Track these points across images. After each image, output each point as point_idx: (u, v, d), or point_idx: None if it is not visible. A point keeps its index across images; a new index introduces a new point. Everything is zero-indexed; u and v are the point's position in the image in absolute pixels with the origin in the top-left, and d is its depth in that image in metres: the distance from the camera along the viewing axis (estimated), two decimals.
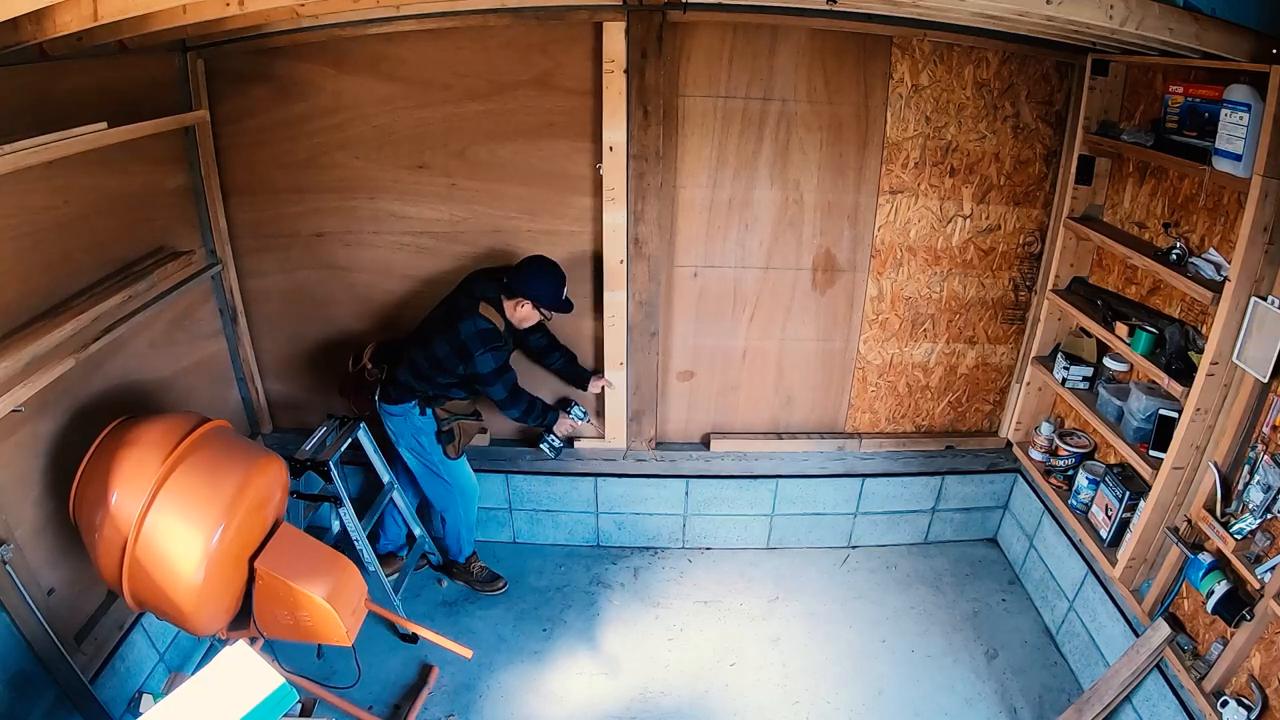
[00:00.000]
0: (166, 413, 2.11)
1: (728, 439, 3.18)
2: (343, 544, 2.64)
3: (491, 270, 2.66)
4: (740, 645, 2.85)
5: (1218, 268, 2.06)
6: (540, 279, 2.54)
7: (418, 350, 2.61)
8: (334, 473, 2.51)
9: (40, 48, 1.87)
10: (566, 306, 2.61)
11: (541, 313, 2.60)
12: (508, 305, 2.57)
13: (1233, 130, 1.90)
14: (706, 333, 3.03)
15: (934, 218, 2.85)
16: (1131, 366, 2.53)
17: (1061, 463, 2.83)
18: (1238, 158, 1.89)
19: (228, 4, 1.88)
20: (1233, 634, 1.97)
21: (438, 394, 2.68)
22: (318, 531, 2.88)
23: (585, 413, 2.99)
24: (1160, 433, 2.26)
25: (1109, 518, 2.51)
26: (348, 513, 2.55)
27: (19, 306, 1.91)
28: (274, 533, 2.08)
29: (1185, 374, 2.13)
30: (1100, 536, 2.56)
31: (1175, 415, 2.18)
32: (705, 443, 3.21)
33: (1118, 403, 2.47)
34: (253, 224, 2.86)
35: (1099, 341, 2.66)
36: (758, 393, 3.17)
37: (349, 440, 2.65)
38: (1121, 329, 2.36)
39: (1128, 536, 2.39)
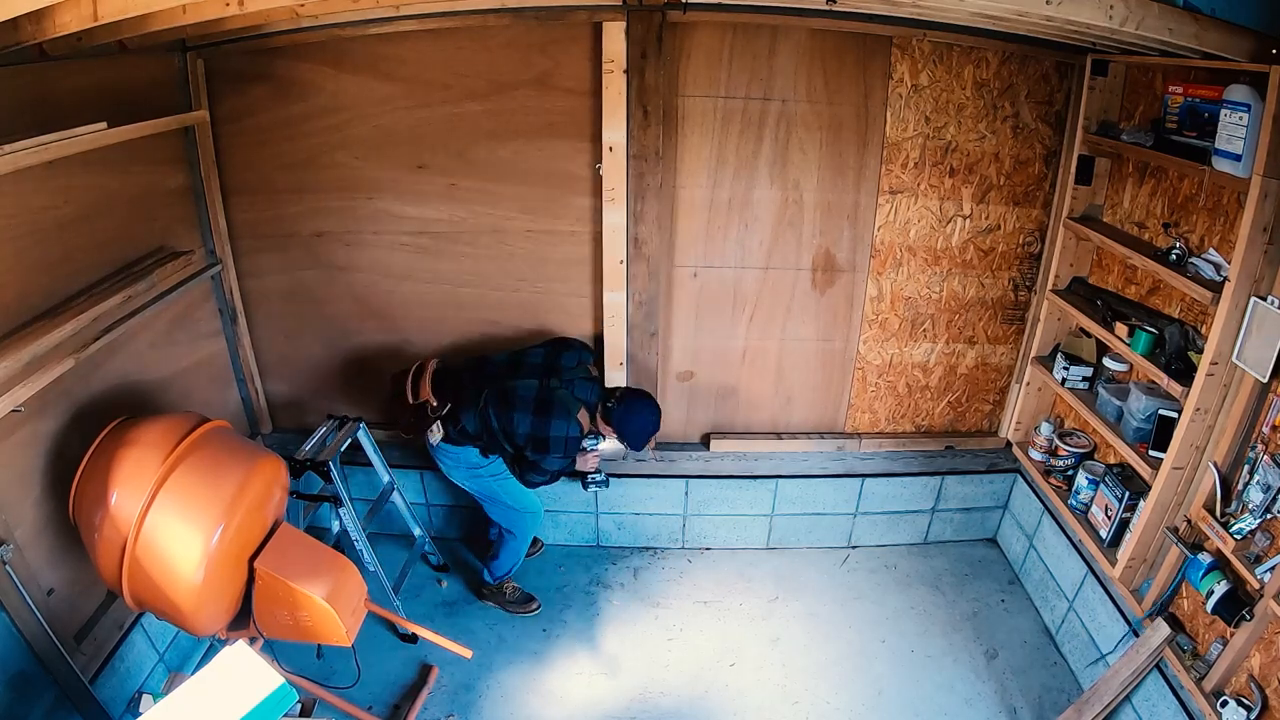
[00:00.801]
0: (166, 413, 2.11)
1: (727, 439, 3.18)
2: (343, 544, 2.65)
3: (591, 358, 2.74)
4: (740, 645, 2.85)
5: (1217, 268, 2.07)
6: (641, 425, 2.59)
7: (494, 409, 2.53)
8: (334, 473, 2.50)
9: (40, 48, 1.87)
10: (641, 446, 2.67)
11: (606, 429, 2.64)
12: (600, 422, 2.62)
13: (1232, 130, 1.90)
14: (706, 333, 3.03)
15: (934, 218, 2.85)
16: (1131, 366, 2.53)
17: (1061, 463, 2.83)
18: (1237, 158, 1.89)
19: (228, 4, 1.88)
20: (1232, 634, 1.97)
21: (499, 448, 2.65)
22: (318, 532, 2.88)
23: (596, 438, 2.75)
24: (1160, 433, 2.26)
25: (1109, 518, 2.51)
26: (348, 513, 2.55)
27: (19, 306, 1.91)
28: (274, 533, 2.08)
29: (1185, 374, 2.13)
30: (1100, 536, 2.56)
31: (1175, 415, 2.18)
32: (705, 443, 3.21)
33: (1117, 403, 2.47)
34: (253, 224, 2.85)
35: (1099, 341, 2.66)
36: (757, 393, 3.17)
37: (349, 440, 2.65)
38: (1121, 329, 2.36)
39: (1127, 536, 2.39)
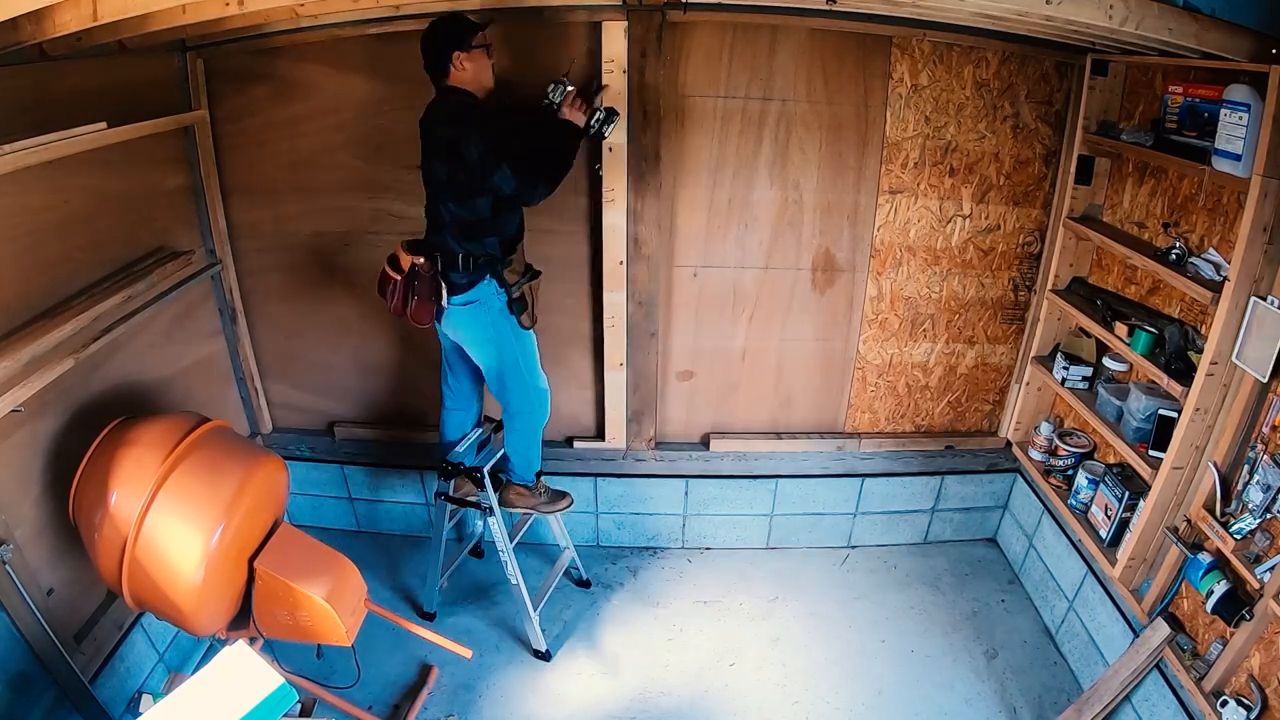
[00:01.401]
0: (166, 413, 2.11)
1: (727, 439, 3.18)
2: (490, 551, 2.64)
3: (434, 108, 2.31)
4: (740, 645, 2.85)
5: (1217, 268, 2.06)
6: (453, 21, 2.24)
7: (439, 208, 2.34)
8: (487, 481, 2.51)
9: (40, 48, 1.87)
10: (486, 23, 2.26)
11: (482, 53, 2.26)
12: (457, 75, 2.25)
13: (1232, 130, 1.89)
14: (706, 333, 3.03)
15: (933, 218, 2.85)
16: (1131, 366, 2.53)
17: (1061, 462, 2.83)
18: (1237, 158, 1.89)
19: (227, 4, 1.89)
20: (1232, 634, 1.97)
21: (492, 252, 2.38)
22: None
23: (566, 80, 2.38)
24: (1160, 433, 2.26)
25: (1108, 518, 2.51)
26: (497, 522, 2.55)
27: (19, 306, 1.91)
28: (274, 533, 2.08)
29: (1185, 374, 2.13)
30: (1100, 536, 2.56)
31: (1175, 415, 2.18)
32: (705, 443, 3.21)
33: (1117, 403, 2.47)
34: (253, 224, 2.86)
35: (1098, 341, 2.66)
36: (757, 393, 3.17)
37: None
38: (1121, 329, 2.37)
39: (1127, 536, 2.39)
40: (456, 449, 2.65)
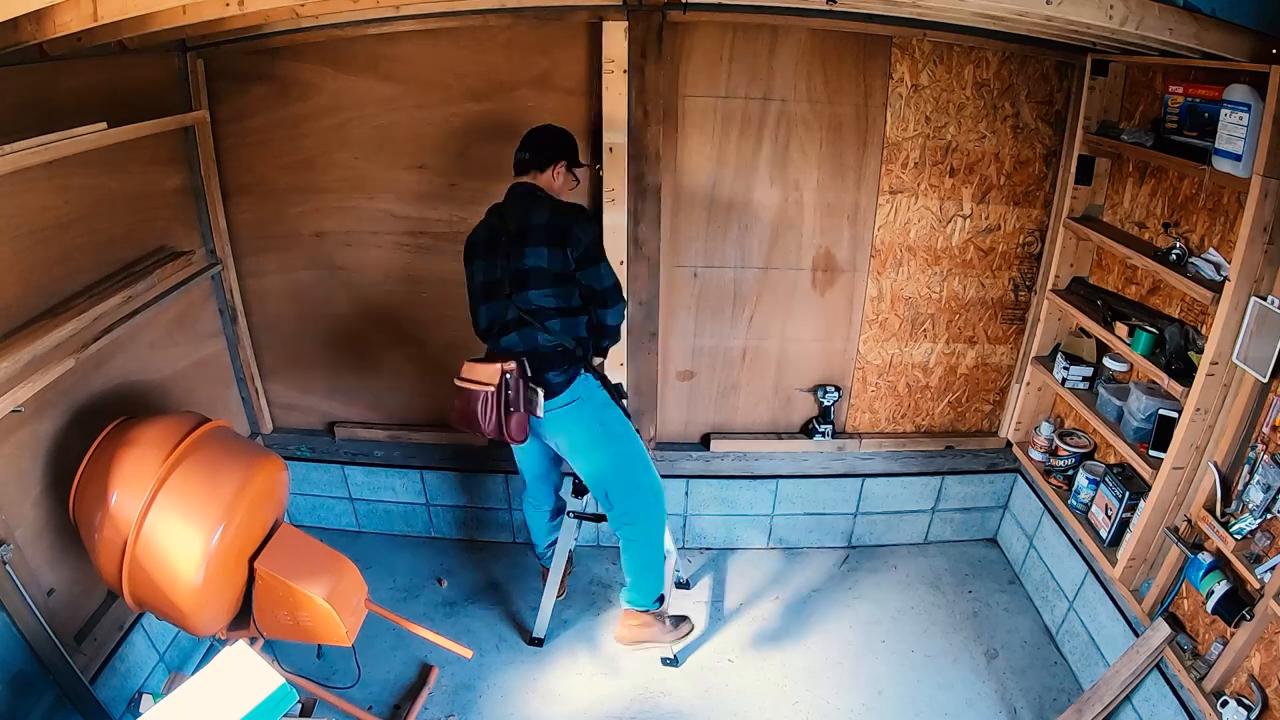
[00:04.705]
0: (166, 413, 2.11)
1: (727, 439, 3.18)
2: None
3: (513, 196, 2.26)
4: (740, 645, 2.85)
5: (1217, 268, 2.06)
6: (562, 136, 2.28)
7: (533, 299, 2.17)
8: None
9: (40, 48, 1.87)
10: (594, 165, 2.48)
11: (573, 176, 2.32)
12: (547, 179, 2.25)
13: (1232, 130, 1.90)
14: (706, 333, 3.03)
15: (934, 218, 2.85)
16: (1131, 366, 2.53)
17: (1061, 463, 2.83)
18: (1237, 158, 1.89)
19: (227, 4, 1.88)
20: (1233, 634, 1.97)
21: (584, 336, 2.26)
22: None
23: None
24: (1160, 433, 2.26)
25: (1109, 518, 2.51)
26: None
27: (19, 306, 1.91)
28: (274, 533, 2.08)
29: (1185, 374, 2.13)
30: (1100, 536, 2.56)
31: (1175, 415, 2.18)
32: (705, 443, 3.21)
33: (1117, 403, 2.47)
34: (253, 224, 2.86)
35: (1099, 341, 2.66)
36: (757, 393, 3.17)
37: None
38: (1121, 329, 2.37)
39: (1128, 536, 2.39)
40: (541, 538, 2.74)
